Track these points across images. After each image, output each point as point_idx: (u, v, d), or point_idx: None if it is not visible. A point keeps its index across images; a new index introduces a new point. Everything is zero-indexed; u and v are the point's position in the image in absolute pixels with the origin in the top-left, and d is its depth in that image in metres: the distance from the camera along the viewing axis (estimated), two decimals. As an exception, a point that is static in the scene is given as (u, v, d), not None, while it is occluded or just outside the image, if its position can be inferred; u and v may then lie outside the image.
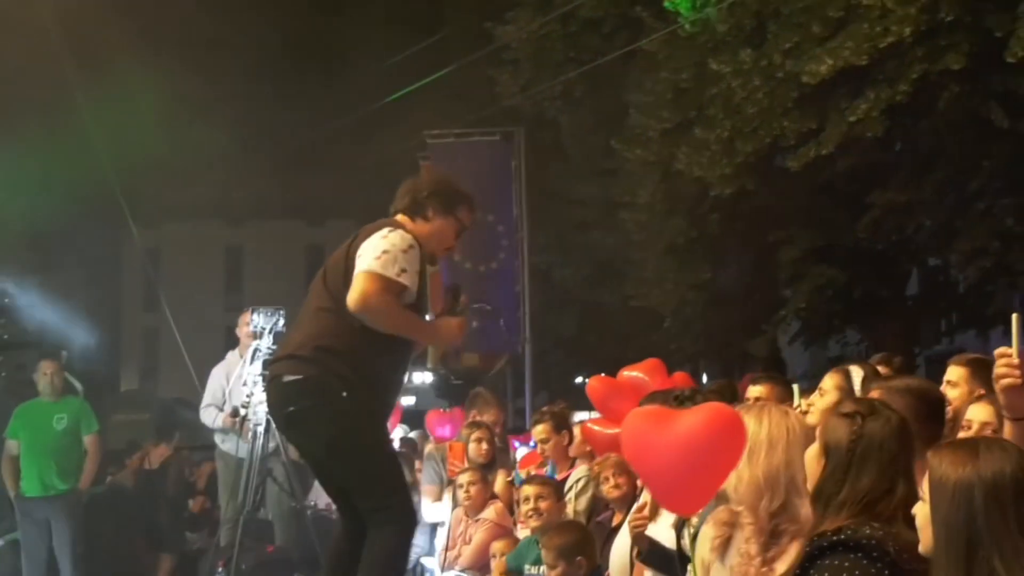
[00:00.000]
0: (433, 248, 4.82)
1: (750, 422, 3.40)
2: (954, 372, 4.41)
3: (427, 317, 4.90)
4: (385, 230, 4.57)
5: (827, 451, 2.75)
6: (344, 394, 4.42)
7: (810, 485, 2.83)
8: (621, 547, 5.40)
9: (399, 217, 4.80)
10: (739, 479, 3.30)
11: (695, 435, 3.04)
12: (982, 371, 3.99)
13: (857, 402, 2.93)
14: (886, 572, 2.46)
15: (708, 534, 3.48)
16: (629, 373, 6.38)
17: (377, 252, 4.45)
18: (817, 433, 2.86)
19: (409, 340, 4.74)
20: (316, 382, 4.46)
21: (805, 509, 3.06)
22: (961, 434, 3.50)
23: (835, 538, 2.56)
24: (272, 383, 4.75)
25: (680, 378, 5.38)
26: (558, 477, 6.85)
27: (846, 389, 4.04)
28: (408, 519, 4.68)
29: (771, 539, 3.19)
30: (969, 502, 2.27)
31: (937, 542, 2.32)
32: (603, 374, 7.37)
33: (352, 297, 4.36)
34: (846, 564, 2.51)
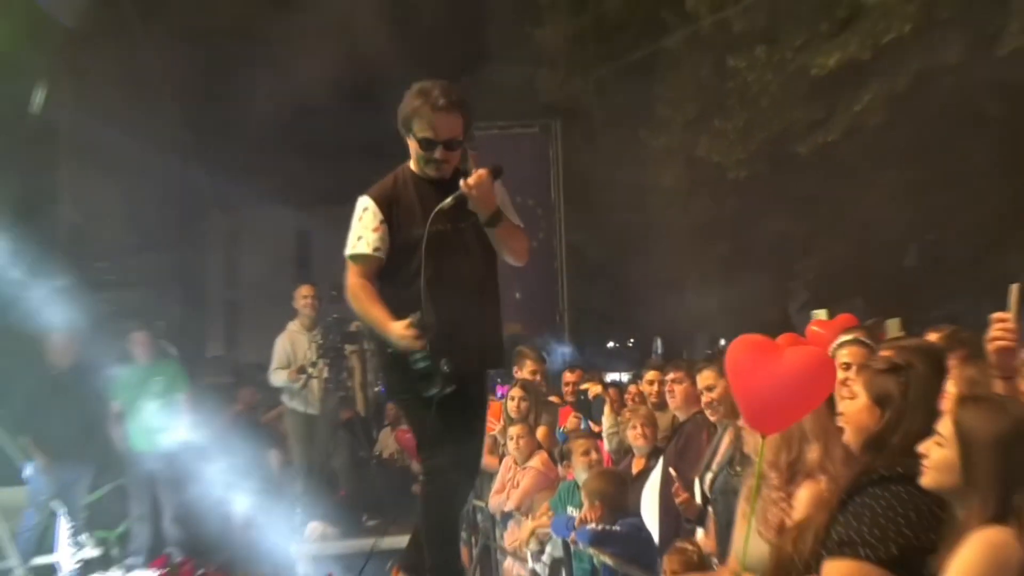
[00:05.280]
0: (425, 172, 3.95)
1: None
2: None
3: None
4: None
5: (881, 403, 2.76)
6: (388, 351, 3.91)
7: (857, 435, 2.82)
8: (650, 493, 5.48)
9: None
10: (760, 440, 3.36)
11: (796, 370, 2.96)
12: None
13: (889, 358, 2.90)
14: (929, 500, 2.51)
15: (743, 492, 3.54)
16: (818, 329, 5.57)
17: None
18: (858, 390, 2.84)
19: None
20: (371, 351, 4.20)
21: (812, 455, 3.12)
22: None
23: (887, 473, 2.60)
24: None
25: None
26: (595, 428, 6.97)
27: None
28: (434, 482, 3.95)
29: (788, 483, 3.26)
30: (1009, 449, 2.33)
31: (974, 483, 2.35)
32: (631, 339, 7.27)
33: None
34: (890, 492, 2.56)
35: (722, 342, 20.47)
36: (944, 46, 11.86)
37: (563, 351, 14.84)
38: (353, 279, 3.85)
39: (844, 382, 3.20)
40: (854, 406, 2.84)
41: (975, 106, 12.86)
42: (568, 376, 8.42)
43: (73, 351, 9.04)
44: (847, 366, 3.77)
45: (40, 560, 8.76)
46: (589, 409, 7.30)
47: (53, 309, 9.73)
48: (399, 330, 3.62)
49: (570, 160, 17.13)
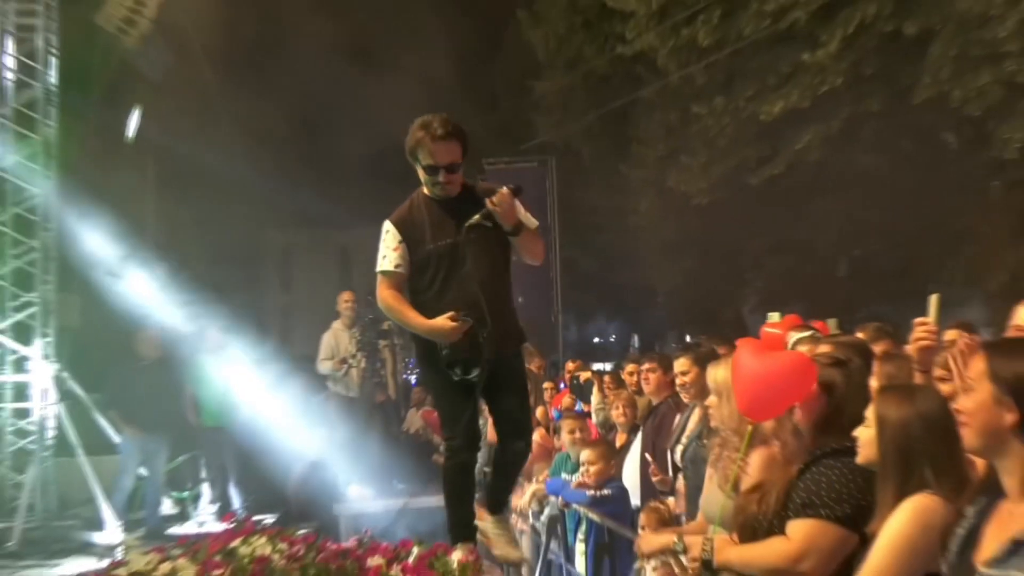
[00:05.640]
0: (434, 194, 3.80)
1: (723, 371, 3.43)
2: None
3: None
4: None
5: (827, 390, 2.74)
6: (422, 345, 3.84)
7: (806, 414, 2.79)
8: (631, 463, 5.46)
9: None
10: (723, 414, 3.34)
11: (784, 372, 2.90)
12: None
13: (833, 353, 2.87)
14: (864, 471, 2.51)
15: (710, 458, 3.52)
16: (771, 330, 5.06)
17: None
18: (812, 389, 2.80)
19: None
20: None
21: (768, 425, 3.10)
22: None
23: (837, 447, 2.60)
24: None
25: (817, 326, 4.61)
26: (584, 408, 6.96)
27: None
28: (452, 459, 3.80)
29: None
30: (909, 429, 2.33)
31: (884, 458, 2.36)
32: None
33: None
34: (841, 462, 2.56)
35: (688, 338, 20.47)
36: (869, 96, 11.87)
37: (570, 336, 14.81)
38: (383, 291, 3.79)
39: None
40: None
41: (894, 145, 12.87)
42: (570, 365, 8.50)
43: (158, 345, 9.06)
44: None
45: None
46: (581, 391, 7.31)
47: (143, 311, 9.76)
48: (443, 324, 3.57)
49: (563, 189, 17.18)
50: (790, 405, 2.86)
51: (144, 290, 10.19)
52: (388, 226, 3.81)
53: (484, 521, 3.97)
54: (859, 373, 2.81)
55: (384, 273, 3.78)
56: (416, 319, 3.69)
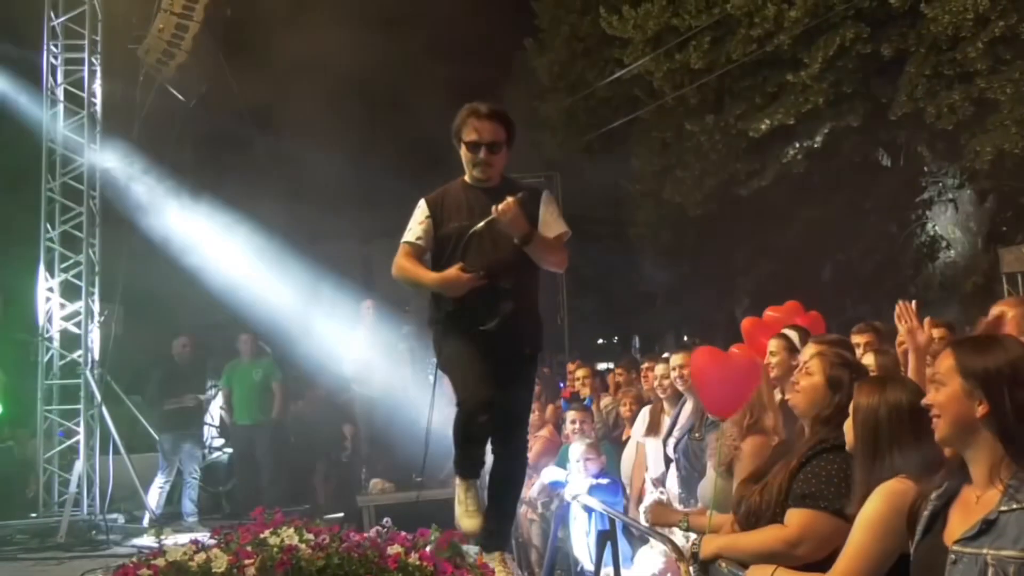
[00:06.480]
0: (472, 176, 3.66)
1: None
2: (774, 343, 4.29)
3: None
4: None
5: (833, 387, 2.70)
6: (437, 324, 3.70)
7: (808, 406, 2.74)
8: (629, 454, 5.42)
9: None
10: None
11: (733, 372, 2.86)
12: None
13: (844, 354, 2.83)
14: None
15: (708, 451, 3.52)
16: (772, 313, 4.82)
17: None
18: (815, 370, 2.75)
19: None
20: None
21: (768, 421, 3.06)
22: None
23: (836, 443, 2.56)
24: None
25: (813, 315, 4.43)
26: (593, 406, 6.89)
27: (789, 347, 3.75)
28: (459, 414, 3.56)
29: (742, 438, 3.23)
30: (877, 416, 2.31)
31: (856, 443, 2.34)
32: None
33: None
34: (841, 457, 2.52)
35: (685, 338, 20.41)
36: (849, 113, 11.84)
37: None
38: (399, 259, 3.66)
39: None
40: (809, 381, 2.75)
41: (873, 158, 12.82)
42: (571, 367, 8.42)
43: (191, 350, 9.07)
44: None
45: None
46: (582, 403, 7.24)
47: (178, 316, 9.76)
48: (452, 272, 3.43)
49: (567, 202, 17.10)
50: (745, 400, 2.85)
51: (185, 296, 10.20)
52: (421, 202, 3.71)
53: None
54: (863, 374, 2.77)
55: (405, 243, 3.67)
56: (427, 274, 3.56)
